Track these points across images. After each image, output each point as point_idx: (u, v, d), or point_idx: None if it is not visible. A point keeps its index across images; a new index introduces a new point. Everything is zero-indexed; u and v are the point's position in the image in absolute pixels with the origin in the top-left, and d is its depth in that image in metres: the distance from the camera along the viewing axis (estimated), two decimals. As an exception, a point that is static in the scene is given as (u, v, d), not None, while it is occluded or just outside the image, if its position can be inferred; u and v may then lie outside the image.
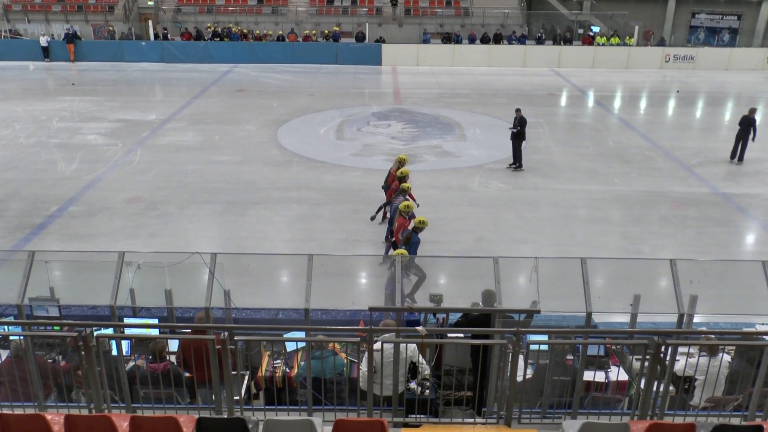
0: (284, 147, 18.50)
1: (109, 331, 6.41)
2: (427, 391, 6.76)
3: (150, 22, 35.24)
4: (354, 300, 8.63)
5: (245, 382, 6.81)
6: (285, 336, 7.46)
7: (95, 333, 5.65)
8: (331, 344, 7.07)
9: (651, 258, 11.14)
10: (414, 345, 6.36)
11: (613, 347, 7.54)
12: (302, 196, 14.61)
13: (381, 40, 34.63)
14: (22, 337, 6.20)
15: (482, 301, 7.41)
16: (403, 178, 11.94)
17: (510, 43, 35.04)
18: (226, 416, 5.83)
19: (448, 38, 35.19)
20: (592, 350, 7.07)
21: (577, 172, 16.62)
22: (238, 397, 6.15)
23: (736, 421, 6.11)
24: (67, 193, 14.53)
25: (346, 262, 9.93)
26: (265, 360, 7.53)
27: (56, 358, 7.15)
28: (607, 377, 7.20)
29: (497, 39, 35.27)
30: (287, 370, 7.33)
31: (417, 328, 5.77)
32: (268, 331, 7.43)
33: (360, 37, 34.78)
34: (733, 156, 17.69)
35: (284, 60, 33.44)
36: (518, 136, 16.52)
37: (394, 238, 10.53)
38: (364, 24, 35.53)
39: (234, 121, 21.32)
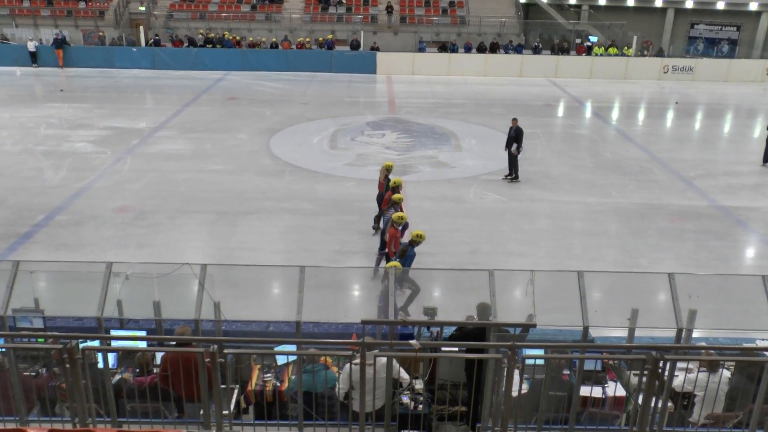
0: (277, 156, 18.51)
1: (96, 343, 6.37)
2: (421, 405, 6.69)
3: (141, 27, 35.29)
4: (346, 313, 8.70)
5: (234, 396, 6.78)
6: (276, 349, 7.43)
7: (81, 345, 5.59)
8: (322, 358, 7.04)
9: (649, 272, 11.16)
10: (384, 359, 6.33)
11: (611, 362, 7.52)
12: (294, 206, 14.58)
13: (376, 48, 34.78)
14: (3, 350, 6.18)
15: (477, 314, 7.41)
16: (396, 188, 11.96)
17: (506, 53, 35.26)
18: (214, 431, 5.82)
19: (444, 47, 35.39)
20: (589, 365, 7.06)
21: (574, 184, 16.68)
22: (227, 412, 6.12)
23: (735, 438, 6.07)
24: (54, 201, 14.48)
25: (339, 274, 9.96)
26: (255, 374, 7.50)
27: (39, 371, 7.09)
28: (604, 393, 7.20)
29: (494, 48, 35.49)
30: (278, 384, 7.30)
31: (411, 341, 5.76)
32: (258, 344, 7.39)
33: (355, 45, 34.94)
34: (765, 160, 17.85)
35: (277, 68, 33.55)
36: (511, 144, 16.60)
37: (386, 250, 10.52)
38: (359, 32, 35.71)
39: (226, 129, 21.36)
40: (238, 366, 7.38)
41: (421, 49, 35.48)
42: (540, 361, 6.51)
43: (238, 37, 35.44)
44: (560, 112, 26.38)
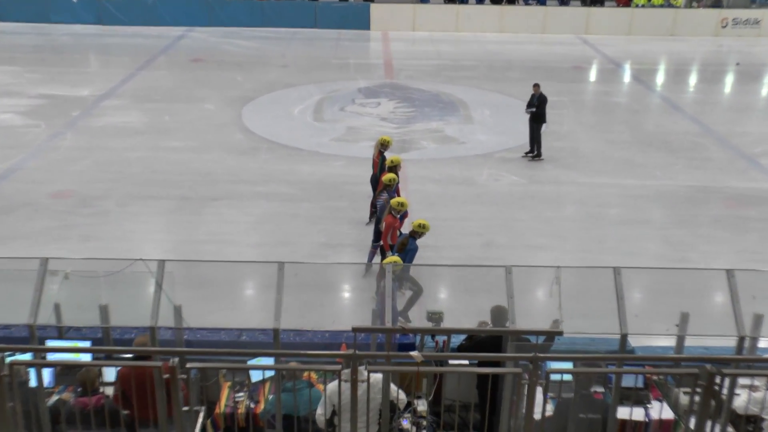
0: (250, 130, 18.57)
1: (27, 356, 6.29)
2: (424, 431, 6.75)
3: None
4: (335, 319, 8.73)
5: (200, 420, 6.78)
6: (249, 363, 7.42)
7: (8, 359, 5.48)
8: (306, 373, 7.11)
9: (701, 268, 11.22)
10: (380, 375, 6.40)
11: (655, 377, 7.54)
12: (272, 190, 14.67)
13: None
14: None
15: (491, 320, 7.45)
16: (394, 169, 12.00)
17: (527, 4, 35.15)
18: (174, 463, 5.78)
19: (452, -3, 35.30)
20: (627, 381, 7.05)
21: (608, 163, 16.75)
22: (190, 440, 6.01)
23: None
24: (-25, 185, 14.42)
25: (326, 272, 10.00)
26: (225, 393, 7.52)
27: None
28: (646, 415, 7.20)
29: (512, -1, 35.43)
30: (252, 406, 7.32)
31: (412, 353, 5.67)
32: (228, 356, 7.34)
33: (344, -4, 34.86)
34: None
35: (251, 23, 33.40)
36: (537, 117, 16.59)
37: (381, 242, 10.60)
38: (348, -21, 35.60)
39: (189, 98, 21.37)
40: (203, 384, 7.37)
41: (424, 1, 35.32)
42: (568, 377, 6.46)
43: (202, -14, 35.26)
44: (592, 76, 26.48)
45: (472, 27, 33.65)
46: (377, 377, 6.35)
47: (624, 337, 7.05)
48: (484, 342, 7.39)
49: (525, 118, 16.89)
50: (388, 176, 11.68)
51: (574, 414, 6.21)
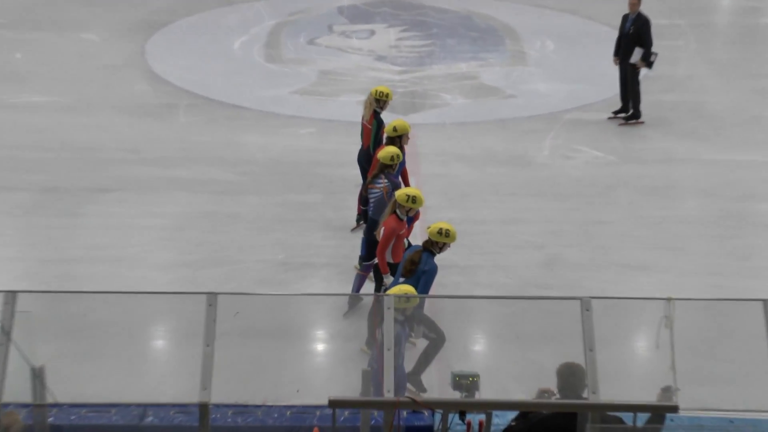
0: (161, 77, 16.29)
1: None
2: None
3: None
4: (301, 386, 7.63)
5: None
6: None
7: None
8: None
9: None
10: None
11: None
12: (198, 176, 13.02)
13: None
14: None
15: (559, 387, 6.51)
16: (396, 140, 10.71)
17: None
18: None
19: None
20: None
21: (757, 129, 14.74)
22: None
23: None
24: None
25: (286, 308, 8.36)
26: None
27: None
28: None
29: None
30: None
31: (430, 441, 5.31)
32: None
33: None
34: None
35: None
36: (627, 53, 14.36)
37: (375, 260, 9.74)
38: None
39: (57, 23, 18.47)
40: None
41: None
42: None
43: None
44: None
45: None
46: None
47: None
48: (547, 423, 6.42)
49: (612, 58, 14.91)
50: (387, 152, 10.32)
51: None
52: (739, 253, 11.50)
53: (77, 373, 7.03)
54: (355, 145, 12.02)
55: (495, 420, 6.75)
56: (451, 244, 9.03)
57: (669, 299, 6.24)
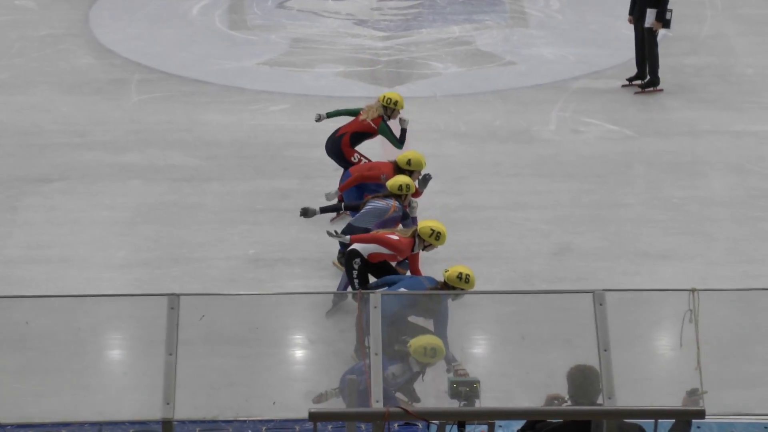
0: (107, 48, 15.73)
1: None
2: None
3: None
4: (277, 398, 7.23)
5: None
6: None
7: None
8: None
9: None
10: None
11: None
12: (154, 160, 12.59)
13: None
14: None
15: (570, 391, 6.45)
16: (404, 173, 10.44)
17: None
18: None
19: None
20: None
21: None
22: None
23: None
24: None
25: (258, 310, 8.07)
26: None
27: None
28: None
29: None
30: None
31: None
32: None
33: None
34: None
35: None
36: (640, 15, 14.05)
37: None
38: None
39: None
40: None
41: None
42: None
43: None
44: None
45: None
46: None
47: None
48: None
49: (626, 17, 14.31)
50: (396, 180, 10.28)
51: None
52: (770, 237, 10.90)
53: (20, 389, 6.71)
54: (333, 123, 11.52)
55: (498, 431, 6.85)
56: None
57: (693, 291, 6.12)
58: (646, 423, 6.25)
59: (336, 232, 9.27)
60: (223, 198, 11.94)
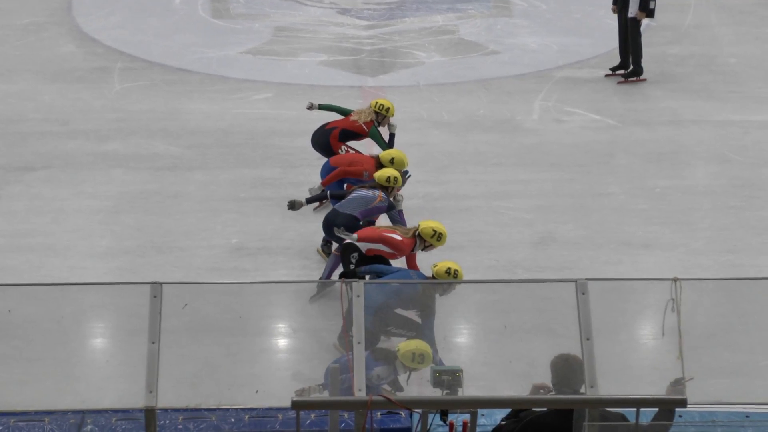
0: (89, 36, 15.71)
1: None
2: None
3: None
4: (260, 387, 7.32)
5: None
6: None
7: None
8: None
9: None
10: None
11: None
12: (137, 149, 12.64)
13: None
14: None
15: (554, 381, 6.50)
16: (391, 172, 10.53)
17: None
18: None
19: None
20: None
21: None
22: None
23: None
24: None
25: (241, 298, 8.13)
26: None
27: None
28: None
29: None
30: None
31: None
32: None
33: None
34: None
35: None
36: (623, 3, 14.14)
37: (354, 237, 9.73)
38: None
39: None
40: None
41: None
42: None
43: None
44: None
45: None
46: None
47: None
48: (540, 422, 6.47)
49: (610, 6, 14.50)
50: (383, 173, 10.47)
51: None
52: (757, 226, 11.11)
53: (3, 378, 6.75)
54: (319, 114, 11.63)
55: (481, 420, 6.84)
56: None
57: (675, 280, 6.20)
58: (628, 411, 6.19)
59: (343, 230, 9.39)
60: (206, 187, 12.04)
